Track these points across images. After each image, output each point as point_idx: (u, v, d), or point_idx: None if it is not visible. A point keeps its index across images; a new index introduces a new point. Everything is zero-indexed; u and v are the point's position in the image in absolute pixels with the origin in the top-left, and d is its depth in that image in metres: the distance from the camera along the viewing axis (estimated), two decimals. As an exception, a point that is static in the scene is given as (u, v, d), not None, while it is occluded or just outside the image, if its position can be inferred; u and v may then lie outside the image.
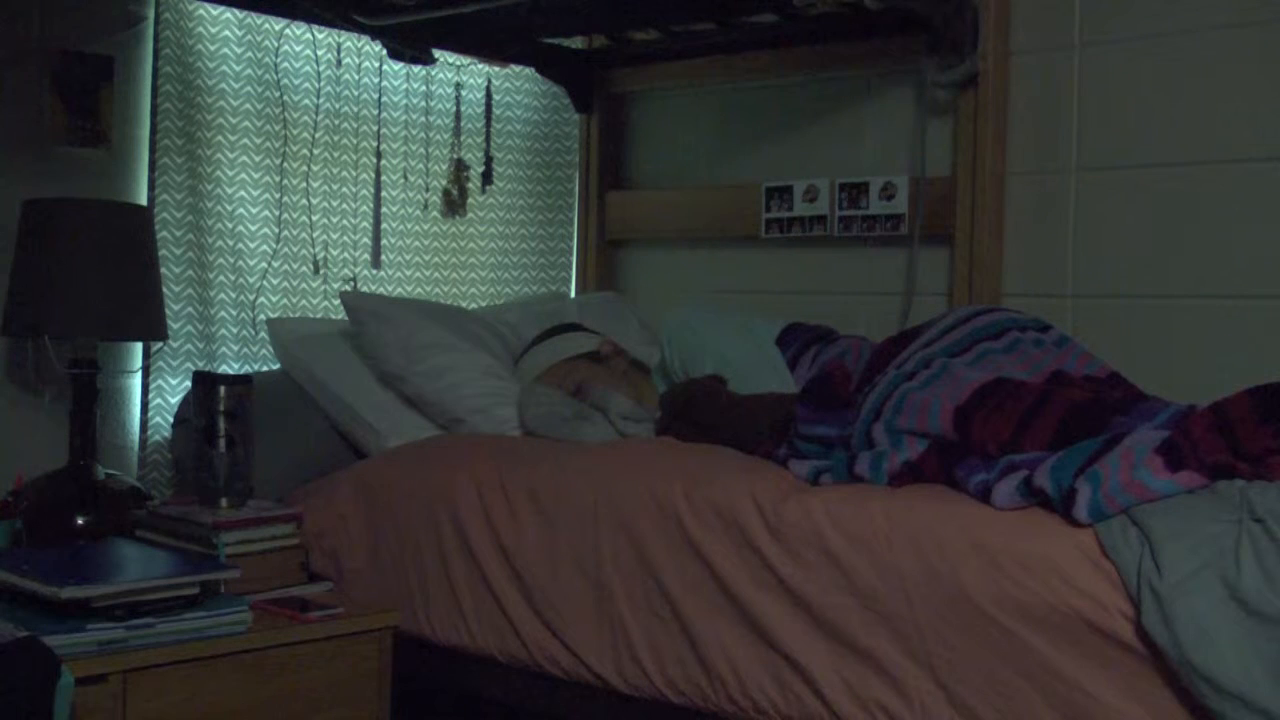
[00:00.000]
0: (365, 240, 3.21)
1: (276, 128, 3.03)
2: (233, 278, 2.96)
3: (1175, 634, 1.60)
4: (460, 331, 2.86)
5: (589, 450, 2.38)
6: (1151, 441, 1.82)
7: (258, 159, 3.00)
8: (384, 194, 3.23)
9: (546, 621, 2.23)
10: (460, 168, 3.40)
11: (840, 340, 2.75)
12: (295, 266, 3.07)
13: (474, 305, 3.40)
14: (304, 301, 3.09)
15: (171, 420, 2.79)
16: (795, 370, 2.68)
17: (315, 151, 3.10)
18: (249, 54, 2.98)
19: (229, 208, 2.95)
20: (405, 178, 3.29)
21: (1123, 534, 1.71)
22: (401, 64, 3.18)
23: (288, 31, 3.04)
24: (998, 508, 1.85)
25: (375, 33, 3.00)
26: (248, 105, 2.98)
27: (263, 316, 2.97)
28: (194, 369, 2.80)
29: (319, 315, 3.09)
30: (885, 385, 2.18)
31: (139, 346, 2.83)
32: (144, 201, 2.82)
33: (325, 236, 3.12)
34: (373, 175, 3.22)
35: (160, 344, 2.77)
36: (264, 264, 3.01)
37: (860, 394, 2.24)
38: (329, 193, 3.14)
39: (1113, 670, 1.69)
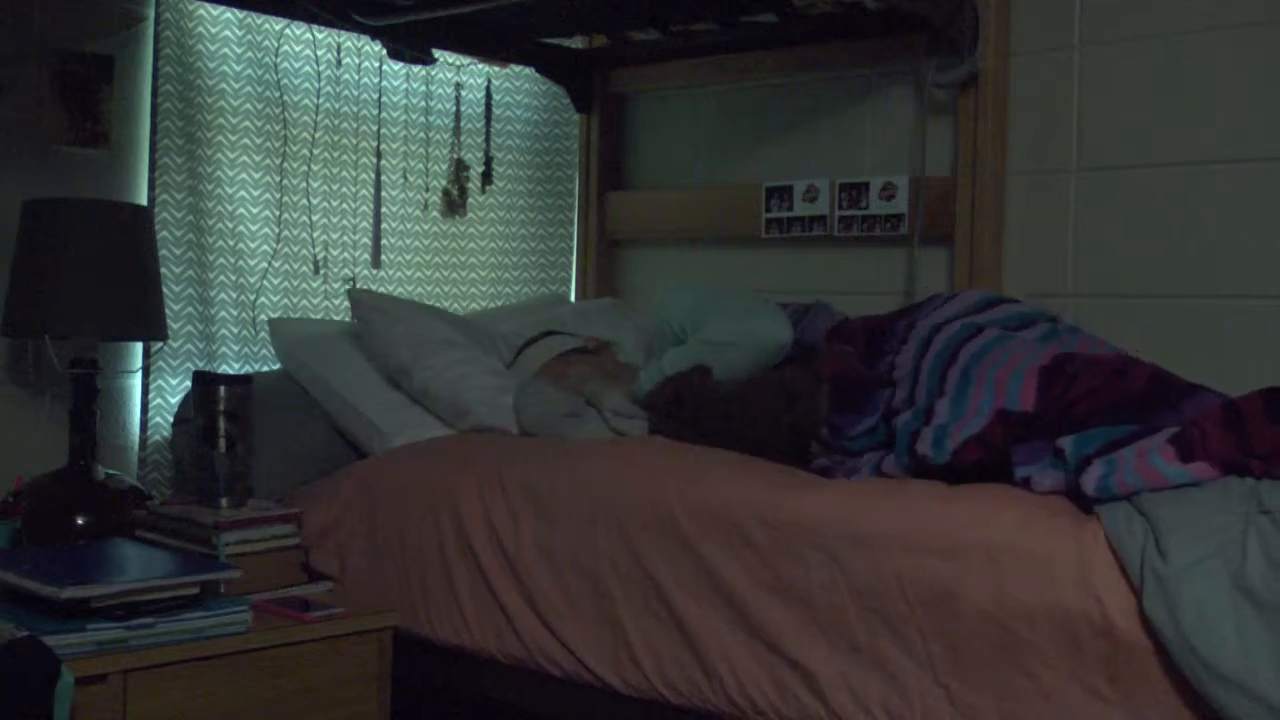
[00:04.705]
0: (365, 240, 3.21)
1: (276, 128, 3.03)
2: (233, 278, 2.96)
3: (1177, 619, 1.61)
4: (465, 332, 2.87)
5: (588, 451, 2.38)
6: (1165, 434, 1.86)
7: (258, 159, 3.00)
8: (384, 194, 3.23)
9: (545, 622, 2.23)
10: (460, 168, 3.40)
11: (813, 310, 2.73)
12: (295, 266, 3.07)
13: (474, 305, 3.41)
14: (304, 301, 3.09)
15: (171, 420, 2.79)
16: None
17: (315, 151, 3.10)
18: (249, 54, 2.98)
19: (229, 208, 2.95)
20: (405, 178, 3.29)
21: (1127, 524, 1.72)
22: (401, 64, 3.18)
23: (288, 31, 3.04)
24: (1037, 492, 1.87)
25: (375, 33, 3.00)
26: (248, 105, 2.98)
27: (263, 316, 2.97)
28: (194, 369, 2.80)
29: (319, 315, 3.10)
30: (941, 350, 2.19)
31: (139, 346, 2.83)
32: (144, 201, 2.82)
33: (325, 236, 3.13)
34: (373, 175, 3.22)
35: (160, 344, 2.77)
36: (264, 264, 3.01)
37: (882, 366, 2.24)
38: (329, 193, 3.14)
39: (1114, 670, 1.69)
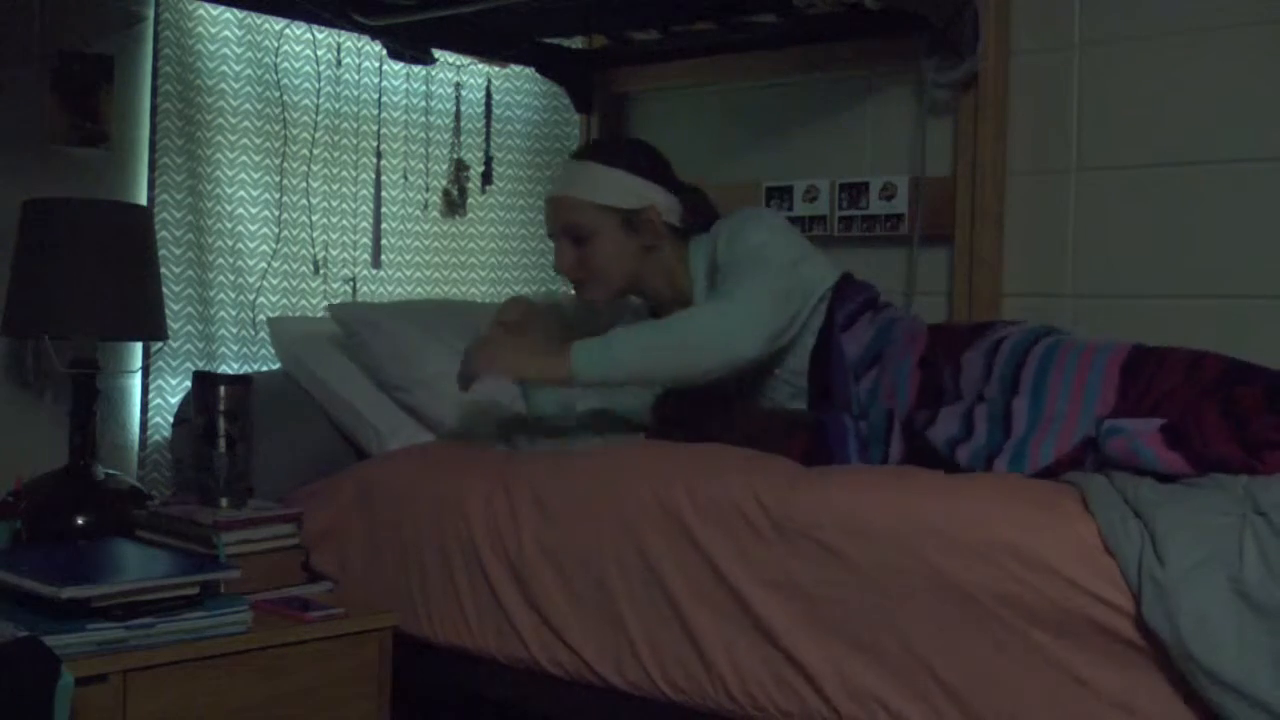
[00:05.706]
0: (365, 240, 3.21)
1: (276, 128, 3.03)
2: (233, 278, 2.96)
3: (1177, 625, 1.61)
4: (459, 327, 2.84)
5: (592, 451, 2.38)
6: (1160, 422, 1.91)
7: (258, 159, 3.00)
8: (384, 194, 3.23)
9: (547, 621, 2.23)
10: (460, 168, 3.40)
11: (887, 310, 2.55)
12: (295, 266, 3.07)
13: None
14: (304, 301, 3.09)
15: (171, 420, 2.79)
16: (851, 328, 2.45)
17: (315, 151, 3.10)
18: (249, 54, 2.98)
19: (229, 208, 2.95)
20: (405, 178, 3.29)
21: (1123, 527, 1.72)
22: (401, 64, 3.18)
23: (288, 31, 3.04)
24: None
25: (375, 33, 3.00)
26: (248, 105, 2.98)
27: (263, 316, 2.97)
28: (194, 369, 2.80)
29: (319, 315, 3.09)
30: (1010, 351, 2.19)
31: (139, 346, 2.83)
32: (144, 201, 2.82)
33: (325, 236, 3.12)
34: (373, 175, 3.22)
35: (160, 344, 2.77)
36: (264, 264, 3.01)
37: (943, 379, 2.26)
38: (329, 193, 3.14)
39: (1114, 666, 1.70)
